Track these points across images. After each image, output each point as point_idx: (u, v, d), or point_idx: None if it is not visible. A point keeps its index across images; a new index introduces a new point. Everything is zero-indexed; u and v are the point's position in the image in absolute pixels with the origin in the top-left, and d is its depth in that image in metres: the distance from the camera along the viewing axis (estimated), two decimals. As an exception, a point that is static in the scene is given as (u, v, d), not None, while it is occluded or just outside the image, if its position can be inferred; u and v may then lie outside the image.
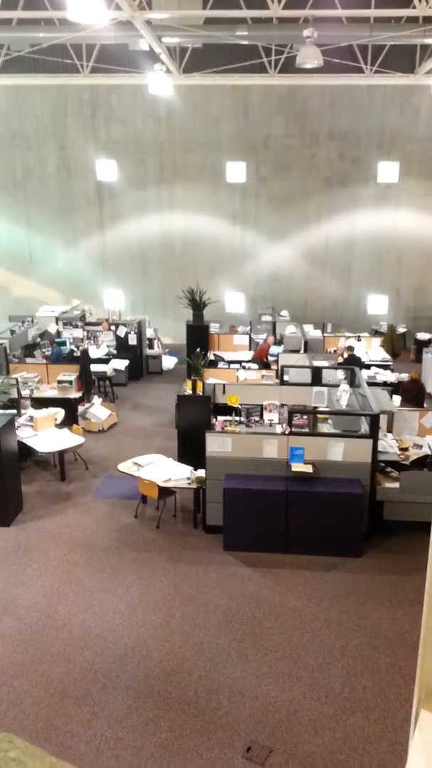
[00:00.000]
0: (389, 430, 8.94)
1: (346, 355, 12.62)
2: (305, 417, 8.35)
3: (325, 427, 8.60)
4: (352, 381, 9.63)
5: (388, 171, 17.06)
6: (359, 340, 14.81)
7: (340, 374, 10.16)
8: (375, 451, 7.80)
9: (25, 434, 9.79)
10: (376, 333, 16.87)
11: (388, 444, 8.47)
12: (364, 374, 10.93)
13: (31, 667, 5.87)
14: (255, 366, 12.77)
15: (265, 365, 12.96)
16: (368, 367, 13.04)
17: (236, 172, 17.50)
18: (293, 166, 17.51)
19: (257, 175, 17.65)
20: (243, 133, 17.35)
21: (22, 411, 10.67)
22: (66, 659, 5.97)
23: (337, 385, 9.48)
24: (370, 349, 14.60)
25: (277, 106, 17.07)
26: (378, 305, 18.10)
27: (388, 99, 16.76)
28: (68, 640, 6.23)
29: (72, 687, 5.62)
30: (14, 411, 9.96)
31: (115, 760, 4.86)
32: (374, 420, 7.86)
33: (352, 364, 11.44)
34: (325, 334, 15.29)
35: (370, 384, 9.88)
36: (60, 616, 6.60)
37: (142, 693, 5.56)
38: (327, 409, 9.06)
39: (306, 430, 8.21)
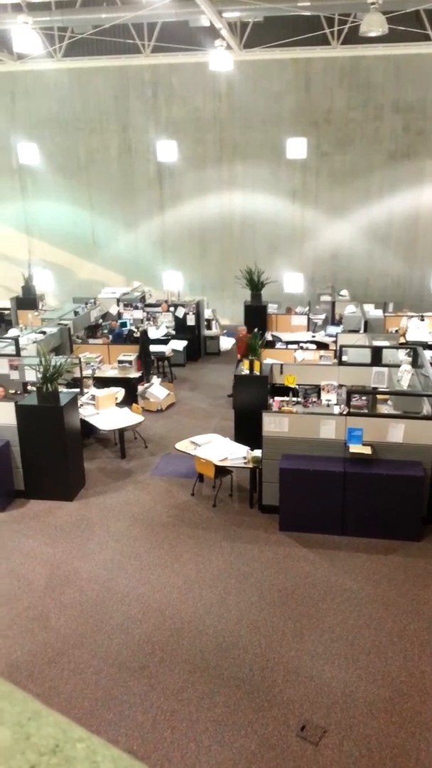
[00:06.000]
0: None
1: None
2: (364, 398, 8.19)
3: (384, 408, 8.41)
4: (415, 361, 9.36)
5: (456, 143, 16.36)
6: (422, 320, 14.35)
7: (402, 354, 9.89)
8: (437, 433, 7.58)
9: (87, 412, 10.03)
10: (441, 312, 16.29)
11: (452, 426, 8.19)
12: (427, 354, 10.60)
13: (92, 637, 6.06)
14: (313, 347, 12.58)
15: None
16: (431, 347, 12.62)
17: (297, 148, 17.12)
18: (356, 140, 17.00)
19: (318, 151, 17.24)
20: (304, 108, 16.95)
21: (85, 390, 10.93)
22: (125, 631, 6.13)
23: (398, 366, 9.25)
24: (435, 329, 14.12)
25: (339, 79, 16.57)
26: (444, 283, 17.47)
27: (458, 66, 15.98)
28: (127, 612, 6.40)
29: (130, 659, 5.77)
30: (77, 390, 10.23)
31: (171, 732, 4.98)
32: (437, 401, 7.63)
33: None
34: (386, 314, 14.88)
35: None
36: (119, 588, 6.78)
37: (197, 668, 5.66)
38: (387, 390, 8.85)
39: (365, 411, 8.06)
